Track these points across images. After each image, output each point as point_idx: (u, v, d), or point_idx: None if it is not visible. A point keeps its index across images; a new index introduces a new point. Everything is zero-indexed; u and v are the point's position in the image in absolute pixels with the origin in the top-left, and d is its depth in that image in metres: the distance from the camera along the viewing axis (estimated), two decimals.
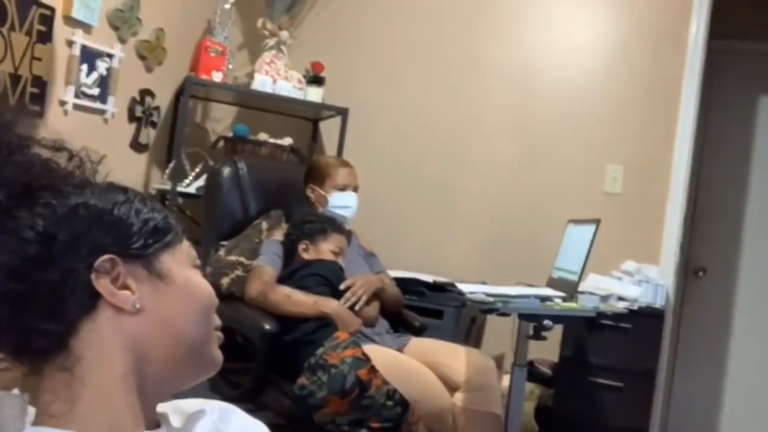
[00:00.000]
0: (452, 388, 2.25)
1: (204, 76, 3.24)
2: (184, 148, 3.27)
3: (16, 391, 0.71)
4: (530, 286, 2.53)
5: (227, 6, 3.41)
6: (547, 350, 2.89)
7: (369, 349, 2.17)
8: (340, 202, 2.58)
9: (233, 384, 2.26)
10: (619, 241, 3.17)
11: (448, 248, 3.49)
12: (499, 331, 2.96)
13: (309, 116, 3.67)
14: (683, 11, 3.25)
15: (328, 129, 3.63)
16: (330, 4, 3.68)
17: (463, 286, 2.35)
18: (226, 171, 2.69)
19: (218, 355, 0.78)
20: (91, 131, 2.75)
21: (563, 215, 2.80)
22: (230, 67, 3.42)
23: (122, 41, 2.90)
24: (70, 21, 2.58)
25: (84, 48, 2.65)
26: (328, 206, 2.59)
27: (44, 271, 0.67)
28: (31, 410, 0.70)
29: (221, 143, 3.44)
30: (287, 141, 3.40)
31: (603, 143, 3.35)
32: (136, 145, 3.15)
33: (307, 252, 2.42)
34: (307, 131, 3.70)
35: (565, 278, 2.38)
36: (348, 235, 2.59)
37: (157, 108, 3.25)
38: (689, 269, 3.95)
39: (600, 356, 2.87)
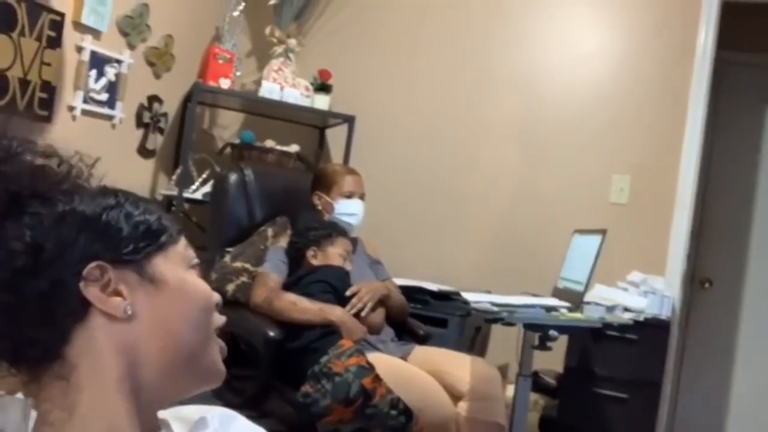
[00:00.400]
0: (456, 397, 2.24)
1: (212, 83, 3.25)
2: (191, 155, 3.28)
3: (20, 395, 0.71)
4: (535, 296, 2.53)
5: (236, 13, 3.42)
6: (551, 361, 2.88)
7: (373, 357, 2.16)
8: (347, 210, 2.59)
9: (236, 391, 2.26)
10: (625, 251, 3.16)
11: (454, 257, 3.48)
12: (504, 341, 2.95)
13: (316, 123, 3.68)
14: (691, 21, 3.25)
15: (335, 136, 3.63)
16: (338, 12, 3.69)
17: (468, 295, 2.35)
18: (233, 177, 2.70)
19: (220, 366, 0.77)
20: (98, 136, 2.77)
21: (569, 225, 2.80)
22: (238, 74, 3.43)
23: (131, 47, 2.92)
24: (80, 27, 2.60)
25: (93, 54, 2.67)
26: (335, 213, 2.59)
27: (33, 281, 0.66)
28: (35, 414, 0.70)
29: (228, 150, 3.45)
30: (294, 148, 3.41)
31: (610, 153, 3.34)
32: (144, 151, 3.16)
33: (316, 258, 2.43)
34: (314, 138, 3.70)
35: (571, 288, 2.37)
36: (354, 242, 2.59)
37: (164, 114, 3.27)
38: (695, 280, 3.93)
39: (605, 367, 2.86)
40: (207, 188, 3.18)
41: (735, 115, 3.93)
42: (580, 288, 2.27)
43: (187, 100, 3.34)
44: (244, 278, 2.49)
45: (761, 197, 3.89)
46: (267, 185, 2.75)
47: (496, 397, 2.28)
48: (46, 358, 0.68)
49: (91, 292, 0.68)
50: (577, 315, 2.18)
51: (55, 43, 2.45)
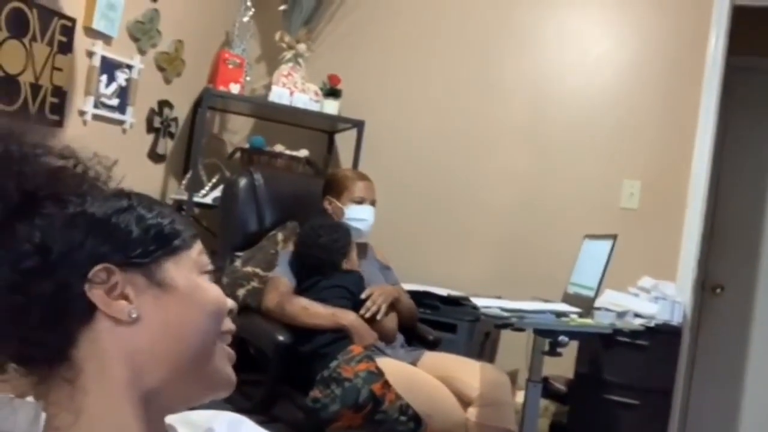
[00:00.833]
0: (465, 403, 2.23)
1: (222, 88, 3.27)
2: (201, 159, 3.29)
3: (30, 398, 0.71)
4: (546, 301, 2.52)
5: (246, 19, 3.44)
6: (562, 367, 2.87)
7: (382, 362, 2.16)
8: (357, 215, 2.59)
9: (246, 395, 2.26)
10: (636, 257, 3.15)
11: (463, 262, 3.47)
12: (514, 347, 2.93)
13: (325, 128, 3.69)
14: (702, 27, 3.24)
15: (344, 141, 3.64)
16: (347, 17, 3.70)
17: (477, 301, 2.34)
18: (242, 182, 2.70)
19: (229, 372, 0.76)
20: (109, 141, 2.78)
21: (579, 230, 2.78)
22: (248, 79, 3.44)
23: (142, 53, 2.93)
24: (91, 32, 2.61)
25: (104, 59, 2.68)
26: (344, 218, 2.59)
27: (41, 283, 0.66)
28: (45, 417, 0.70)
29: (238, 154, 3.46)
30: (303, 153, 3.42)
31: (620, 158, 3.33)
32: (154, 156, 3.17)
33: (348, 263, 2.44)
34: (323, 143, 3.71)
35: (581, 294, 2.36)
36: (364, 247, 2.59)
37: (175, 119, 3.28)
38: (706, 286, 3.91)
39: (615, 373, 2.84)
40: (217, 193, 3.18)
41: (746, 120, 3.91)
42: (590, 293, 2.26)
43: (198, 105, 3.35)
44: (254, 283, 2.49)
45: None
46: (276, 190, 2.75)
47: (506, 403, 2.27)
48: (52, 360, 0.68)
49: (96, 294, 0.68)
50: (587, 321, 2.17)
51: (66, 48, 2.47)
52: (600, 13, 3.42)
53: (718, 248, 3.90)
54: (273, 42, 3.49)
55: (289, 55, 3.45)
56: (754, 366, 3.82)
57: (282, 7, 3.47)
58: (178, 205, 3.25)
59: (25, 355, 0.69)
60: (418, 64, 3.62)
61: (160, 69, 3.10)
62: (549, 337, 2.09)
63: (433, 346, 2.63)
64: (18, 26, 2.25)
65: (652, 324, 2.81)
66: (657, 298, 2.95)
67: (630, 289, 3.03)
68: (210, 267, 0.77)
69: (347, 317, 2.26)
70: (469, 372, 2.30)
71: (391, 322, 2.41)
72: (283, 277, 2.39)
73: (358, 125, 3.42)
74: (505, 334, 3.22)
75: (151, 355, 0.70)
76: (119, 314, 0.68)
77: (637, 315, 2.84)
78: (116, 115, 2.82)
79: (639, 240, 3.20)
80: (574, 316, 2.16)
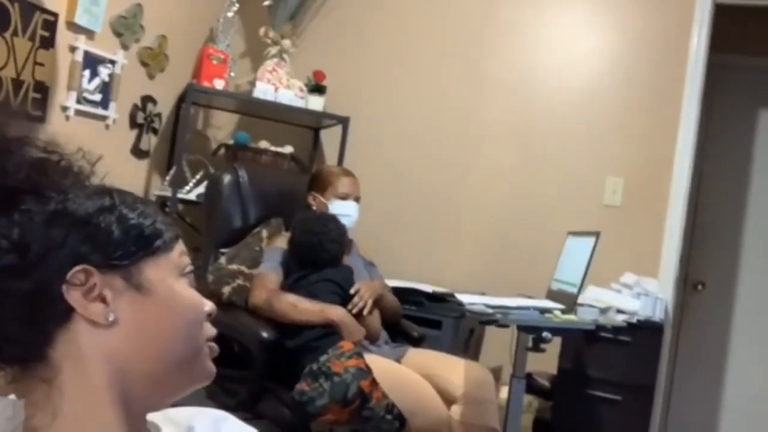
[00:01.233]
0: (449, 401, 2.24)
1: (206, 84, 3.25)
2: (185, 155, 3.27)
3: (12, 396, 0.70)
4: (530, 297, 2.53)
5: (230, 14, 3.42)
6: (545, 363, 2.88)
7: (368, 359, 2.16)
8: (341, 211, 2.59)
9: (230, 392, 2.26)
10: (619, 253, 3.17)
11: (448, 259, 3.48)
12: (498, 343, 2.95)
13: (310, 125, 3.68)
14: (684, 25, 3.26)
15: (329, 137, 3.63)
16: (332, 13, 3.69)
17: (462, 297, 2.35)
18: (227, 178, 2.69)
19: (210, 367, 0.76)
20: (92, 137, 2.75)
21: (563, 227, 2.80)
22: (232, 74, 3.42)
23: (125, 48, 2.91)
24: (73, 27, 2.59)
25: (86, 54, 2.66)
26: None
27: (18, 281, 0.65)
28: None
29: (222, 151, 3.45)
30: (288, 149, 3.41)
31: (603, 156, 3.35)
32: (137, 152, 3.15)
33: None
34: (308, 140, 3.70)
35: (565, 290, 2.38)
36: (348, 243, 2.58)
37: (158, 115, 3.26)
38: (688, 283, 3.95)
39: (598, 369, 2.87)
40: (201, 189, 3.17)
41: (727, 117, 3.94)
42: (573, 290, 2.28)
43: (181, 100, 3.33)
44: (239, 281, 2.48)
45: (753, 199, 3.91)
46: (261, 186, 2.74)
47: (489, 400, 2.28)
48: (28, 359, 0.67)
49: (74, 296, 0.67)
50: (570, 317, 2.18)
51: (49, 43, 2.44)
52: (584, 11, 3.44)
53: (699, 245, 3.94)
54: (258, 38, 3.47)
55: (273, 50, 3.44)
56: (735, 361, 3.86)
57: (267, 3, 3.46)
58: (162, 202, 3.23)
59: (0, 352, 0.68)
60: (403, 60, 3.62)
61: (144, 64, 3.08)
62: (533, 333, 2.10)
63: (417, 342, 2.64)
64: None
65: (634, 320, 2.83)
66: (639, 294, 2.97)
67: (613, 285, 3.05)
68: (190, 268, 0.76)
69: (336, 312, 2.26)
70: (452, 370, 2.31)
71: (375, 320, 2.42)
72: (270, 274, 2.38)
73: (343, 121, 3.42)
74: (490, 331, 3.24)
75: (129, 357, 0.69)
76: (96, 317, 0.68)
77: (619, 311, 2.87)
78: (99, 111, 2.80)
79: (622, 237, 3.23)
80: (557, 313, 2.18)
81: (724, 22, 3.38)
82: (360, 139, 3.49)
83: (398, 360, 2.37)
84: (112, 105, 2.86)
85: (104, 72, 2.78)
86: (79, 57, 2.63)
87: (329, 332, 2.21)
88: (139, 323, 0.70)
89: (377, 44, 3.66)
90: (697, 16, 3.23)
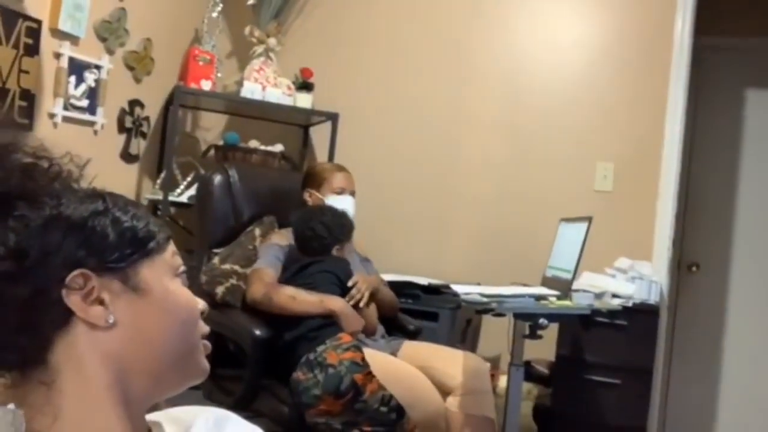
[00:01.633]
0: (444, 392, 2.25)
1: (193, 85, 3.24)
2: (174, 158, 3.27)
3: (11, 405, 0.70)
4: (525, 285, 2.54)
5: (214, 14, 3.41)
6: (543, 350, 2.89)
7: (366, 353, 2.16)
8: (337, 205, 2.59)
9: (227, 391, 2.26)
10: (612, 238, 3.18)
11: (442, 250, 3.49)
12: (495, 332, 2.96)
13: (299, 122, 3.67)
14: (668, 9, 3.27)
15: (319, 134, 3.63)
16: (317, 10, 3.69)
17: (457, 288, 2.36)
18: (218, 179, 2.68)
19: (204, 364, 0.77)
20: (80, 143, 2.75)
21: (555, 214, 2.81)
22: (219, 75, 3.41)
23: (110, 52, 2.90)
24: (57, 33, 2.58)
25: (72, 60, 2.65)
26: None
27: (16, 286, 0.66)
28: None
29: (212, 152, 3.44)
30: (278, 148, 3.40)
31: (593, 141, 3.36)
32: (127, 156, 3.14)
33: (339, 251, 2.46)
34: (298, 137, 3.70)
35: (559, 277, 2.39)
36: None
37: (146, 118, 3.25)
38: (682, 264, 3.96)
39: (596, 354, 2.88)
40: (192, 191, 3.16)
41: (715, 99, 3.95)
42: (568, 276, 2.29)
43: (169, 103, 3.32)
44: (233, 280, 2.48)
45: (744, 179, 3.92)
46: (252, 185, 2.74)
47: (485, 391, 2.29)
48: (27, 364, 0.68)
49: (73, 300, 0.67)
50: (566, 302, 2.19)
51: (33, 50, 2.43)
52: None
53: (692, 227, 3.95)
54: (243, 37, 3.47)
55: (259, 49, 3.43)
56: (732, 341, 3.88)
57: (251, 2, 3.45)
58: (154, 205, 3.22)
59: None
60: (390, 54, 3.61)
61: (130, 68, 3.07)
62: (529, 321, 2.11)
63: (413, 335, 2.64)
64: None
65: (630, 304, 2.84)
66: (634, 278, 2.98)
67: (607, 270, 3.06)
68: (183, 268, 0.78)
69: (336, 303, 2.26)
70: (448, 361, 2.31)
71: (372, 314, 2.42)
72: (267, 268, 2.38)
73: (333, 118, 3.41)
74: (487, 320, 3.25)
75: (130, 359, 0.70)
76: (96, 320, 0.68)
77: (614, 295, 2.88)
78: (86, 117, 2.79)
79: (614, 221, 3.24)
80: (552, 299, 2.19)
81: (707, 4, 3.38)
82: (350, 135, 3.49)
83: (393, 353, 2.38)
84: (100, 110, 2.85)
85: (90, 77, 2.77)
86: (64, 63, 2.62)
87: (328, 323, 2.21)
88: (137, 324, 0.71)
89: (363, 39, 3.65)
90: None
